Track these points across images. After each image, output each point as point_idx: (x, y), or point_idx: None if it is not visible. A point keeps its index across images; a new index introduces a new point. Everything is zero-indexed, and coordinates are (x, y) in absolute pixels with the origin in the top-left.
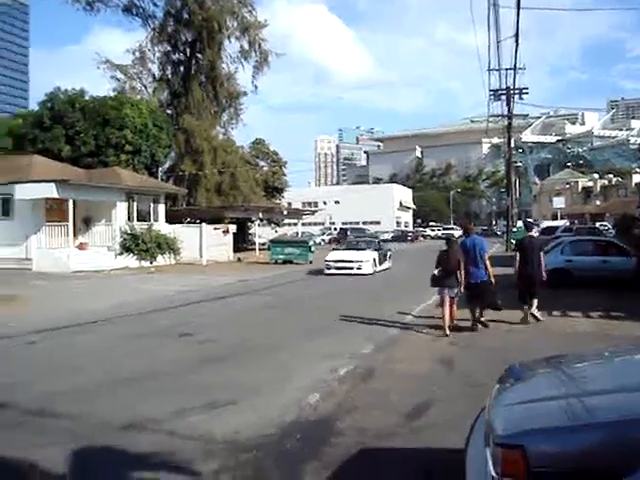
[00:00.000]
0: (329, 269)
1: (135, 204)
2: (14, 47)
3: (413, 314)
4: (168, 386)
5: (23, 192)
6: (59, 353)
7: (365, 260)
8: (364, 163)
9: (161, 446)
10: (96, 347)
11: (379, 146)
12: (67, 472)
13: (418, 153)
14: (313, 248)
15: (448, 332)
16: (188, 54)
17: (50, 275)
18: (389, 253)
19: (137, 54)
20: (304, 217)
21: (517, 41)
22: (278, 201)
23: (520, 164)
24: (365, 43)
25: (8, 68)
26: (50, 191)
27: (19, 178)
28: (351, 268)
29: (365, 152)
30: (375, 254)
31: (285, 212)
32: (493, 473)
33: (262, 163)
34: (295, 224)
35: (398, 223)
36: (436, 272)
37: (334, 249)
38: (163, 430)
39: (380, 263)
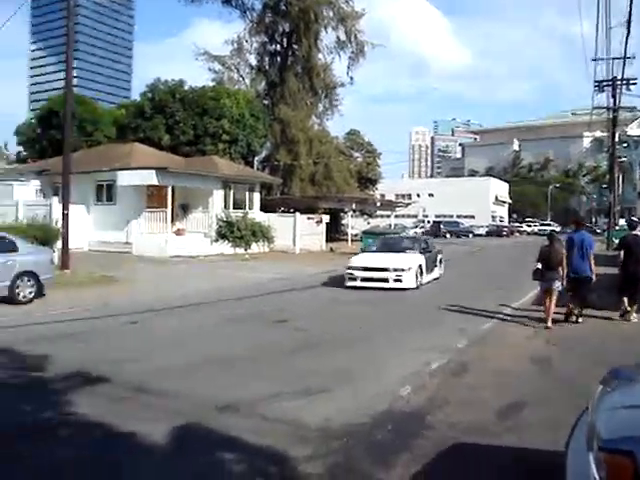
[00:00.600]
0: (353, 280)
1: (231, 192)
2: (120, 41)
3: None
4: (264, 370)
5: (125, 179)
6: (160, 333)
7: (407, 268)
8: (459, 156)
9: (255, 429)
10: (195, 329)
11: (475, 138)
12: (164, 447)
13: (516, 146)
14: None
15: (550, 324)
16: (285, 45)
17: (149, 259)
18: (440, 256)
19: (235, 45)
20: (397, 209)
21: (629, 28)
22: (371, 192)
23: (624, 159)
24: (463, 33)
25: (116, 62)
26: (150, 178)
27: (121, 165)
28: (385, 280)
29: (460, 144)
30: (421, 259)
31: (378, 203)
32: (597, 476)
33: (356, 154)
34: (388, 216)
35: (493, 217)
36: (539, 266)
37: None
38: (257, 414)
39: (428, 271)
